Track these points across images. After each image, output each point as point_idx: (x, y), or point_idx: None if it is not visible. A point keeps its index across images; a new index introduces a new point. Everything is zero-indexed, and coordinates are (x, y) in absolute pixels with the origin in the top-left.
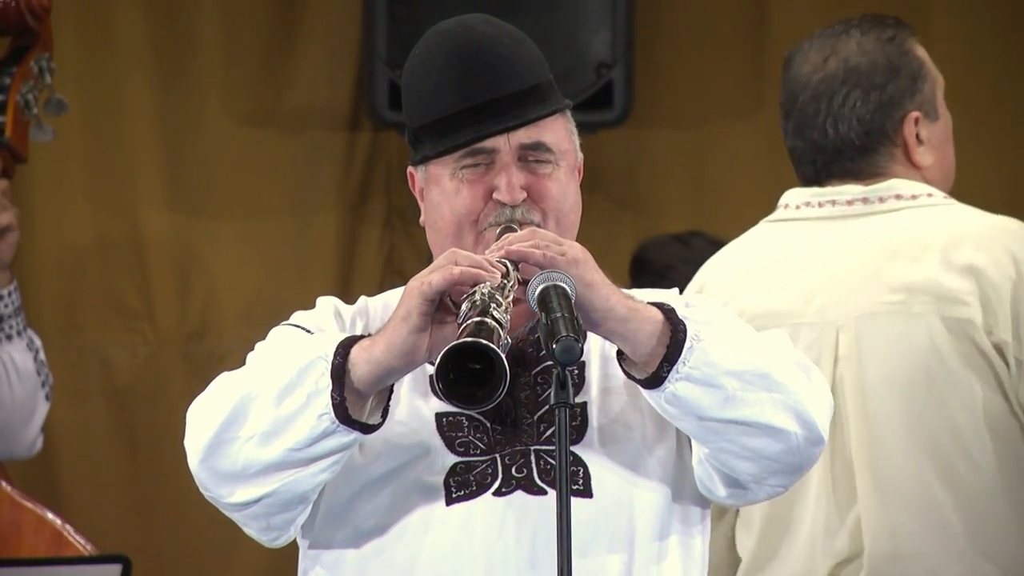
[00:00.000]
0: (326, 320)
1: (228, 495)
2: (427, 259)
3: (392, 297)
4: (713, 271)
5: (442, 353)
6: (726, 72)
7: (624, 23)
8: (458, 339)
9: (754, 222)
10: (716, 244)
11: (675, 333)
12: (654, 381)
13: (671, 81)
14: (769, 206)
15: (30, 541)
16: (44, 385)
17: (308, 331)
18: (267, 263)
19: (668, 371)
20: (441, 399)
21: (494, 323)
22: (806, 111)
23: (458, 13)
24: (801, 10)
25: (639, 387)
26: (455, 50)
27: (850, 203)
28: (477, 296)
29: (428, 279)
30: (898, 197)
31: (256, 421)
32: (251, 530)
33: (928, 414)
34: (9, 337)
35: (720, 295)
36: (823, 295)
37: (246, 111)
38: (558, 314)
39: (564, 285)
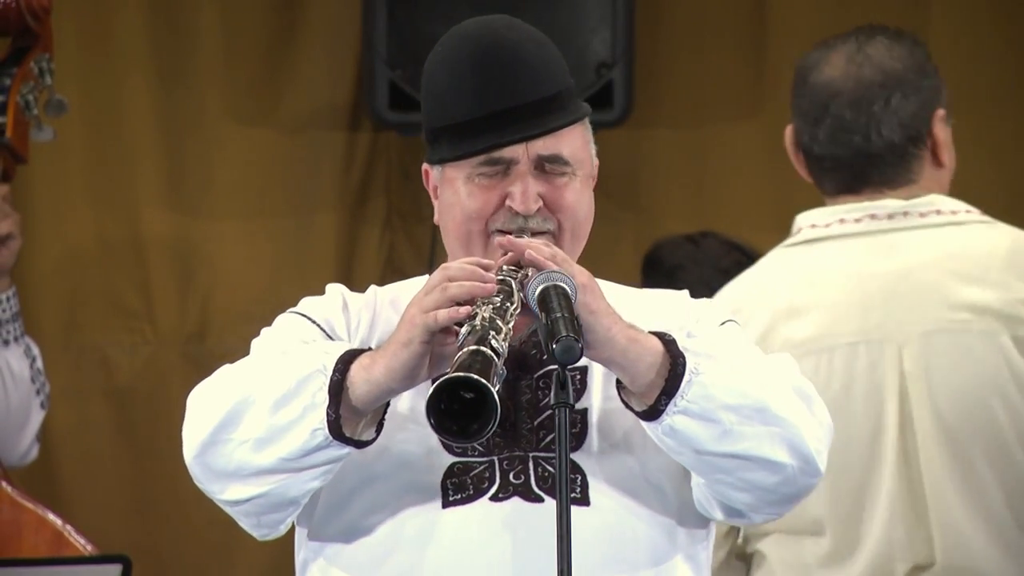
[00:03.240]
0: (333, 310)
1: (220, 492)
2: (427, 259)
3: (401, 291)
4: (743, 300)
5: (431, 389)
6: (726, 72)
7: (624, 23)
8: (451, 369)
9: (754, 222)
10: (727, 244)
11: (674, 366)
12: (652, 413)
13: (671, 81)
14: (769, 206)
15: (31, 541)
16: (39, 393)
17: (315, 321)
18: (267, 263)
19: (666, 404)
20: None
21: (491, 353)
22: (843, 117)
23: (459, 13)
24: (801, 10)
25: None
26: (477, 53)
27: (891, 217)
28: (477, 321)
29: (435, 315)
30: (939, 212)
31: (251, 426)
32: (244, 525)
33: (1004, 430)
34: (5, 342)
35: (754, 328)
36: (879, 311)
37: (246, 111)
38: (558, 314)
39: (564, 285)
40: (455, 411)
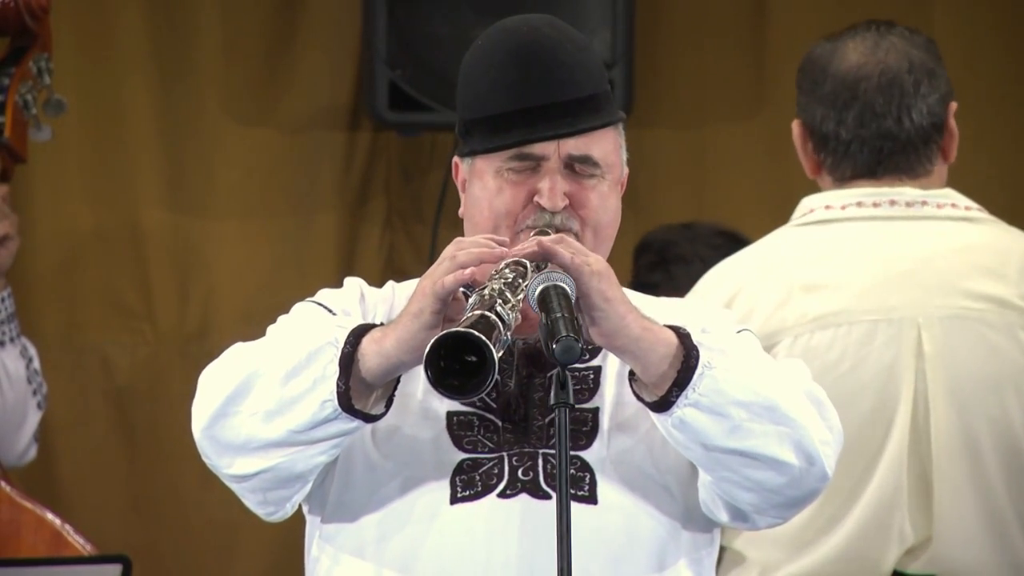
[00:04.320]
0: (351, 301)
1: (227, 466)
2: (428, 259)
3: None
4: (752, 273)
5: (432, 341)
6: (726, 72)
7: (624, 23)
8: (452, 328)
9: (754, 221)
10: (716, 229)
11: (687, 358)
12: (662, 405)
13: (671, 81)
14: (769, 206)
15: (29, 541)
16: (36, 394)
17: (332, 311)
18: (267, 263)
19: (677, 396)
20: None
21: (495, 318)
22: (873, 100)
23: (459, 13)
24: (801, 10)
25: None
26: (516, 49)
27: (910, 205)
28: (487, 291)
29: (441, 280)
30: (954, 206)
31: (261, 398)
32: (249, 503)
33: (1015, 422)
34: (1, 343)
35: (767, 300)
36: (900, 293)
37: (246, 111)
38: (558, 314)
39: (564, 285)
40: (457, 372)
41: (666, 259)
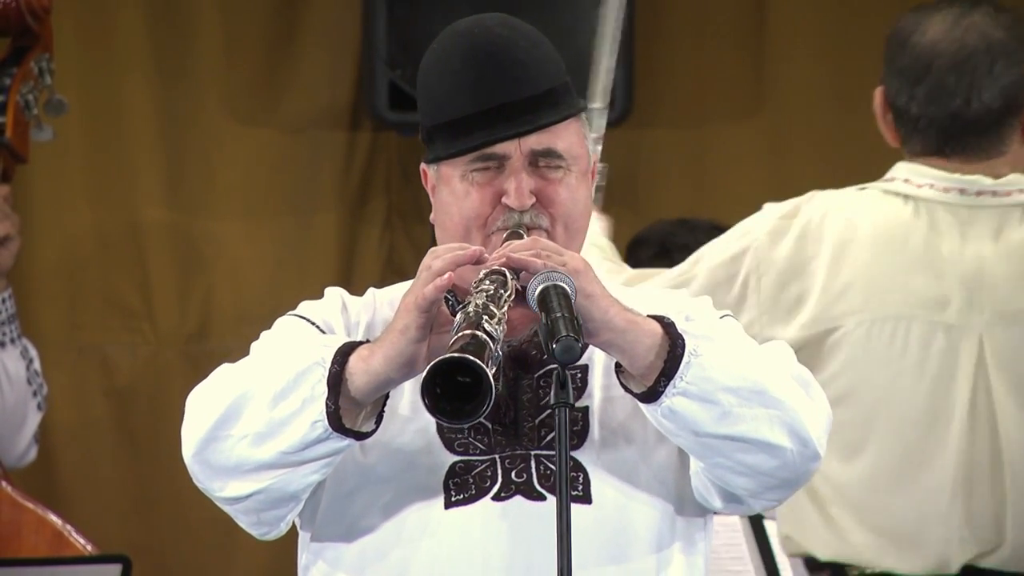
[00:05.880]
0: (332, 312)
1: (219, 489)
2: None
3: (399, 292)
4: (826, 211)
5: (426, 370)
6: (726, 72)
7: (624, 23)
8: (445, 353)
9: None
10: (711, 224)
11: (673, 348)
12: (651, 395)
13: (671, 81)
14: None
15: (30, 541)
16: (36, 395)
17: (314, 323)
18: (267, 263)
19: (665, 386)
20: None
21: (484, 336)
22: (945, 79)
23: (459, 13)
24: (801, 10)
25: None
26: (471, 51)
27: (979, 194)
28: (471, 308)
29: (422, 292)
30: (1022, 191)
31: (250, 421)
32: (243, 523)
33: None
34: (2, 344)
35: (832, 284)
36: (962, 294)
37: (246, 111)
38: (558, 314)
39: (564, 285)
40: (452, 395)
41: (668, 248)
